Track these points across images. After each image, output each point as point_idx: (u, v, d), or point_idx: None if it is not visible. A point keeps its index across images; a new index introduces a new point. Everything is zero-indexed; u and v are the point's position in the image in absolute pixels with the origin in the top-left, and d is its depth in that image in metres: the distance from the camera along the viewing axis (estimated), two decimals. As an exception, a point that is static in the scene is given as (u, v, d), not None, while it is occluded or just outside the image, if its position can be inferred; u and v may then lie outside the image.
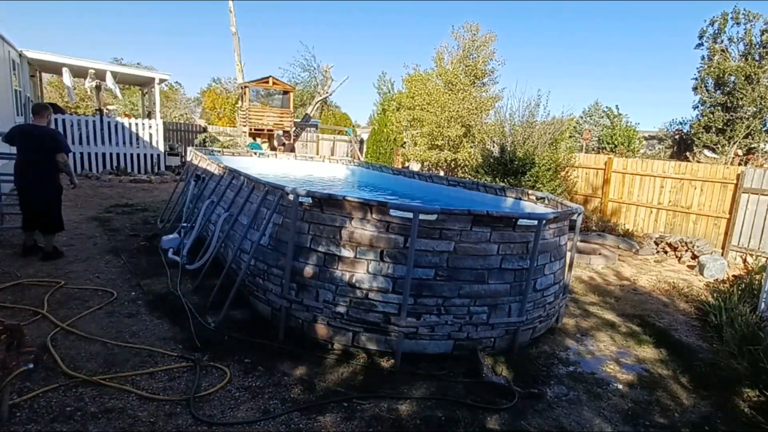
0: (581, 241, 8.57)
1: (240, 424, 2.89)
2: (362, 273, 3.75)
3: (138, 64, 30.43)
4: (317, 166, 11.44)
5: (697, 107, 20.20)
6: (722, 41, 19.24)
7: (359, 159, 20.02)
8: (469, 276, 3.81)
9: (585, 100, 49.32)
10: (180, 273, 5.38)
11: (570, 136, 16.39)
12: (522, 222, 3.96)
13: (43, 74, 18.82)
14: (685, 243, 8.52)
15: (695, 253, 8.29)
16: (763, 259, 7.89)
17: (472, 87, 14.28)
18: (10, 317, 3.92)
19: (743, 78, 17.70)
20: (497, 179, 10.01)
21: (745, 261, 8.23)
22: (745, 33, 18.42)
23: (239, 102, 23.70)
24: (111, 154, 14.55)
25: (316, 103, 25.87)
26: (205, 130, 20.93)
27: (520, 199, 6.13)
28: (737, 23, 18.72)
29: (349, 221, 3.78)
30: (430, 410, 3.19)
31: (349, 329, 3.80)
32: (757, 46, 18.14)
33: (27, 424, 2.71)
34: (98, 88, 14.95)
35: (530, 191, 6.08)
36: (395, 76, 35.82)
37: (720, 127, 18.54)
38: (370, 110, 48.86)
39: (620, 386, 3.80)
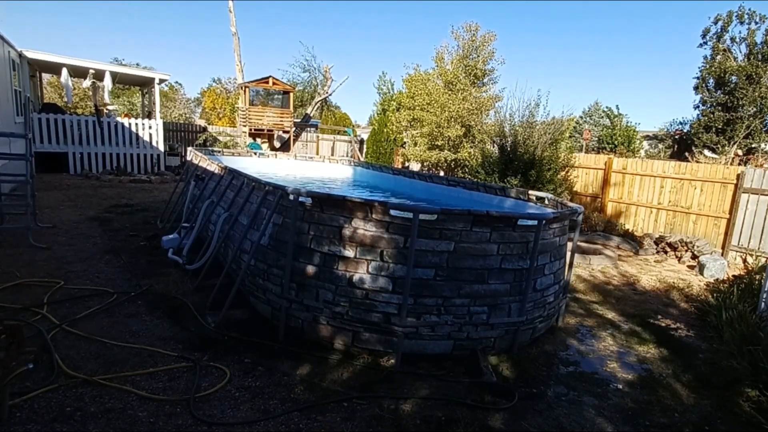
0: (581, 241, 8.57)
1: (240, 424, 2.89)
2: (362, 273, 3.75)
3: (137, 64, 30.46)
4: (317, 166, 11.44)
5: (698, 107, 20.20)
6: (725, 41, 19.24)
7: (359, 159, 20.03)
8: (469, 276, 3.80)
9: (585, 100, 49.38)
10: (180, 273, 5.38)
11: (570, 136, 16.41)
12: (522, 222, 3.96)
13: (43, 74, 18.82)
14: (685, 243, 8.52)
15: (695, 253, 8.29)
16: (763, 259, 7.88)
17: (472, 87, 14.27)
18: (10, 317, 3.92)
19: (744, 78, 17.69)
20: (497, 179, 10.01)
21: (745, 261, 8.22)
22: (748, 33, 18.42)
23: (239, 102, 23.71)
24: (111, 154, 14.55)
25: (316, 103, 25.88)
26: (205, 130, 20.94)
27: (520, 199, 6.13)
28: (741, 22, 18.70)
29: (349, 221, 3.78)
30: (430, 410, 3.19)
31: (349, 329, 3.80)
32: (760, 46, 18.12)
33: (27, 424, 2.70)
34: (95, 87, 14.92)
35: (530, 191, 6.08)
36: (395, 76, 35.86)
37: (720, 127, 18.53)
38: (370, 110, 48.90)
39: (621, 386, 3.80)
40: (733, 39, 19.16)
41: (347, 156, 21.55)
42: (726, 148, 18.24)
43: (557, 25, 72.43)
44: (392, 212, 3.68)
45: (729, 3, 29.92)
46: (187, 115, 31.18)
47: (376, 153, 19.22)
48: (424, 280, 3.71)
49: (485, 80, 14.88)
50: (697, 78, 19.99)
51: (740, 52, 19.06)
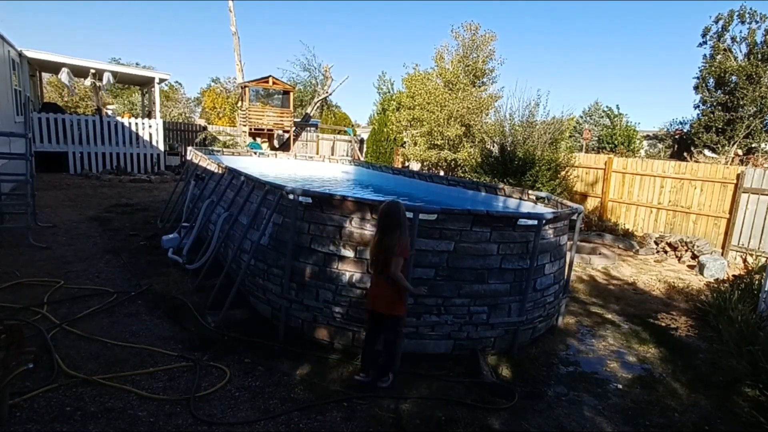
0: (581, 240, 8.57)
1: (240, 423, 2.89)
2: (362, 272, 3.75)
3: (137, 63, 30.46)
4: (317, 166, 11.44)
5: (698, 107, 20.17)
6: (726, 40, 19.21)
7: (359, 159, 20.02)
8: (469, 276, 3.80)
9: (585, 100, 49.36)
10: (180, 273, 5.38)
11: (570, 136, 16.39)
12: (522, 222, 3.96)
13: (43, 74, 18.81)
14: (685, 243, 8.51)
15: (695, 252, 8.28)
16: (763, 259, 7.88)
17: (471, 86, 14.27)
18: (10, 317, 3.92)
19: (744, 78, 17.67)
20: (497, 179, 10.00)
21: (745, 261, 8.22)
22: (749, 33, 18.39)
23: (239, 101, 23.71)
24: (111, 154, 14.54)
25: (316, 102, 25.87)
26: (205, 129, 20.93)
27: (520, 198, 6.13)
28: (742, 22, 18.67)
29: (348, 221, 3.78)
30: (430, 410, 3.19)
31: (349, 329, 3.80)
32: (760, 46, 18.10)
33: (27, 424, 2.70)
34: (97, 87, 14.93)
35: (530, 191, 6.08)
36: (395, 76, 35.87)
37: (720, 126, 18.51)
38: (370, 110, 48.85)
39: (621, 386, 3.80)
40: (733, 38, 19.13)
41: (347, 156, 21.54)
42: (726, 147, 18.21)
43: (557, 25, 72.41)
44: (392, 212, 3.67)
45: (730, 2, 29.93)
46: (187, 115, 31.17)
47: (376, 153, 19.21)
48: (424, 280, 3.71)
49: (485, 80, 14.88)
50: (697, 78, 19.97)
51: (740, 51, 19.03)
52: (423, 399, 3.32)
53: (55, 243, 6.44)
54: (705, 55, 19.86)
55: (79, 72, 14.95)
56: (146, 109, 20.39)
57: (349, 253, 3.77)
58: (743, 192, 8.37)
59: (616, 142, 21.90)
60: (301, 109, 28.19)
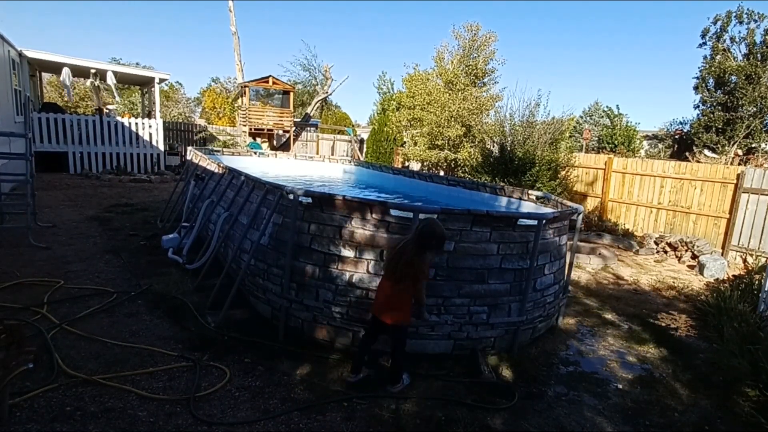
0: (581, 240, 8.56)
1: (240, 423, 2.89)
2: (362, 272, 3.75)
3: (137, 63, 30.47)
4: (317, 166, 11.44)
5: (698, 107, 20.17)
6: (725, 40, 19.21)
7: (359, 158, 20.02)
8: (469, 276, 3.80)
9: (585, 100, 49.37)
10: (180, 273, 5.38)
11: (570, 136, 16.39)
12: (522, 222, 3.96)
13: (43, 74, 18.81)
14: (685, 243, 8.51)
15: (695, 253, 8.28)
16: (763, 259, 7.88)
17: (472, 87, 14.26)
18: (10, 317, 3.92)
19: (744, 78, 17.67)
20: (497, 179, 10.01)
21: (745, 261, 8.22)
22: (748, 33, 18.40)
23: (238, 100, 23.71)
24: (111, 154, 14.54)
25: (316, 102, 25.87)
26: (205, 129, 20.93)
27: (520, 198, 6.13)
28: (740, 22, 18.68)
29: (348, 221, 3.78)
30: (430, 410, 3.19)
31: (350, 329, 3.80)
32: (759, 46, 18.11)
33: (27, 424, 2.70)
34: (97, 87, 14.94)
35: (530, 191, 6.08)
36: (395, 76, 35.88)
37: (720, 126, 18.51)
38: (370, 110, 48.90)
39: (621, 385, 3.80)
40: (732, 39, 19.12)
41: (347, 156, 21.54)
42: (726, 147, 18.20)
43: (557, 25, 72.41)
44: (392, 212, 3.67)
45: (728, 3, 29.92)
46: (187, 115, 31.16)
47: (376, 152, 19.21)
48: (424, 280, 3.71)
49: (485, 80, 14.86)
50: (697, 78, 19.96)
51: (740, 51, 19.02)
52: (423, 399, 3.32)
53: (55, 243, 6.44)
54: (705, 56, 19.88)
55: (79, 72, 14.95)
56: (146, 109, 20.38)
57: (349, 253, 3.77)
58: (743, 192, 8.37)
59: (616, 142, 21.89)
60: (301, 109, 28.20)
